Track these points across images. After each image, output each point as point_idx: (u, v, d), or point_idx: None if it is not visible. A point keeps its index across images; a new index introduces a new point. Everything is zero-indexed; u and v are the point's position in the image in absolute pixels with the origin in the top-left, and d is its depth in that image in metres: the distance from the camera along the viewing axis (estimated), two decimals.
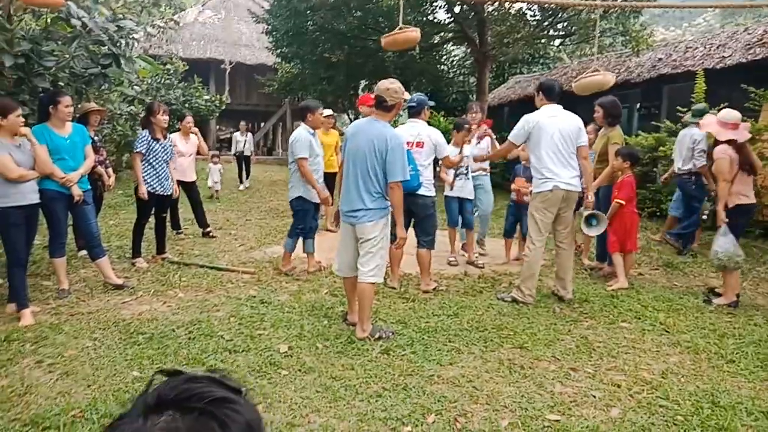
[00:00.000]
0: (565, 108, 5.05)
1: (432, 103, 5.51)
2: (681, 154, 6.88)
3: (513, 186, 6.46)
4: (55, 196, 4.74)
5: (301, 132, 5.66)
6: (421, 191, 5.18)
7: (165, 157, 6.13)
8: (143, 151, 5.97)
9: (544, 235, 4.99)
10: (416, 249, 5.38)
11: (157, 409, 0.71)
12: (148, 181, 6.02)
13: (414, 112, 5.36)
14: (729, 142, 4.97)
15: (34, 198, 4.42)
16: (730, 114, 5.08)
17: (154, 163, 6.03)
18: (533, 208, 5.02)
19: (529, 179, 6.15)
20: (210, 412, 0.69)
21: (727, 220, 4.92)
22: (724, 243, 4.92)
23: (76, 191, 4.82)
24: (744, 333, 4.31)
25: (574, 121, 4.98)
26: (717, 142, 5.14)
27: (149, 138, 6.00)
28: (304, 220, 5.81)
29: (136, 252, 6.10)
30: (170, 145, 6.30)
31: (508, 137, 5.12)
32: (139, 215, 6.14)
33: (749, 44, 9.80)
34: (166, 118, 6.21)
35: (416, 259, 5.40)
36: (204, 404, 0.70)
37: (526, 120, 4.99)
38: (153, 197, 6.07)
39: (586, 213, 5.52)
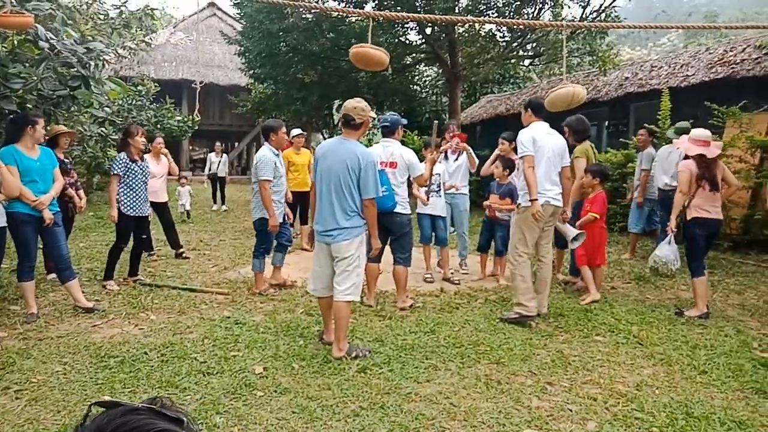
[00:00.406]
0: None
1: (405, 122, 5.54)
2: (667, 171, 6.96)
3: (486, 203, 6.51)
4: (26, 219, 4.65)
5: (265, 152, 5.67)
6: (397, 209, 5.19)
7: (143, 178, 6.07)
8: (121, 174, 5.90)
9: (530, 249, 5.01)
10: (393, 266, 5.38)
11: None
12: (127, 203, 5.95)
13: (387, 131, 5.35)
14: (698, 156, 5.13)
15: (1, 221, 4.31)
16: (702, 132, 5.25)
17: (132, 185, 5.95)
18: (522, 222, 4.99)
19: (504, 196, 6.23)
20: None
21: (675, 230, 5.20)
22: (666, 250, 5.21)
23: (47, 214, 4.74)
24: (715, 344, 4.39)
25: (561, 140, 5.14)
26: (686, 158, 5.31)
27: (127, 160, 5.93)
28: (267, 239, 5.81)
29: (109, 275, 5.97)
30: (147, 167, 6.23)
31: (523, 153, 4.86)
32: (119, 238, 6.02)
33: (711, 63, 10.11)
34: (144, 140, 6.16)
35: (392, 276, 5.39)
36: None
37: (531, 135, 4.90)
38: (132, 219, 5.99)
39: (574, 232, 5.49)
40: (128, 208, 5.94)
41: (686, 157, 5.33)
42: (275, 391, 3.46)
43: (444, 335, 4.54)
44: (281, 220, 5.86)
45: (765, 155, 7.74)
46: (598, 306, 5.36)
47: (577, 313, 5.17)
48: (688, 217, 5.19)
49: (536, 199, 4.78)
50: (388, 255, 5.41)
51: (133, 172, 5.94)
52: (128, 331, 4.54)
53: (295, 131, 8.47)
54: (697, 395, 3.47)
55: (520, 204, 5.06)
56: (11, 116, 4.92)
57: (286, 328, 4.67)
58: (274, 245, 5.99)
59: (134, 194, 5.97)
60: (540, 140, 4.91)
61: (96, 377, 3.62)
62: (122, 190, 5.93)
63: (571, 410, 3.27)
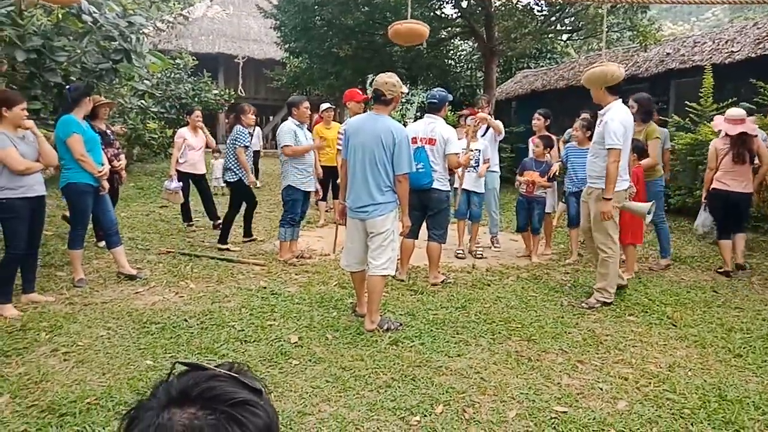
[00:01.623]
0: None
1: (451, 98, 5.52)
2: None
3: (523, 179, 6.42)
4: (87, 190, 4.87)
5: (286, 123, 6.01)
6: (435, 185, 5.17)
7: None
8: (247, 145, 6.56)
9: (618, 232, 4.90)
10: (427, 242, 5.41)
11: (179, 402, 0.72)
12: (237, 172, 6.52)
13: (434, 108, 5.35)
14: (739, 135, 5.49)
15: (41, 190, 4.39)
16: (736, 111, 5.59)
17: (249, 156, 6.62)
18: (609, 207, 4.70)
19: (543, 173, 6.18)
20: (232, 415, 0.71)
21: (705, 200, 5.91)
22: (700, 218, 5.93)
23: (105, 184, 5.00)
24: (752, 328, 4.33)
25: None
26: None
27: (247, 132, 6.60)
28: (294, 208, 5.98)
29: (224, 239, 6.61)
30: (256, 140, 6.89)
31: (613, 146, 4.56)
32: (249, 202, 6.79)
33: (758, 39, 9.74)
34: (253, 117, 6.84)
35: (426, 251, 5.43)
36: (227, 406, 0.72)
37: (623, 126, 4.60)
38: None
39: (646, 206, 5.38)
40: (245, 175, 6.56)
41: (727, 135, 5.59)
42: (310, 360, 3.56)
43: (475, 311, 4.58)
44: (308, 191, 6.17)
45: None
46: (631, 286, 5.32)
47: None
48: (709, 189, 5.82)
49: (610, 199, 4.64)
50: (420, 232, 5.45)
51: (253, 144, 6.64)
52: (169, 299, 4.70)
53: (324, 105, 8.47)
54: (731, 378, 3.45)
55: (603, 189, 4.73)
56: (68, 86, 5.05)
57: (320, 299, 4.77)
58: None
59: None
60: (629, 129, 4.67)
61: (138, 342, 3.77)
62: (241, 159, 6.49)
63: (601, 389, 3.29)
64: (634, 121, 5.57)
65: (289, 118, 6.06)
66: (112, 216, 5.20)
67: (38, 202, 4.43)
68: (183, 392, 0.73)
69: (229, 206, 6.66)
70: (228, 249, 6.44)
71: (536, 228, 6.42)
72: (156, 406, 0.73)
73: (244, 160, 6.47)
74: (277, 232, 6.22)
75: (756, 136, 5.62)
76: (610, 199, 4.65)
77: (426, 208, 5.29)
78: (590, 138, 6.12)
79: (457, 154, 5.26)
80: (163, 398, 0.73)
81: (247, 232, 6.97)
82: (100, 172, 4.90)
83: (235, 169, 6.47)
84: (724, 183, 5.65)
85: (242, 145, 6.45)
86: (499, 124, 6.51)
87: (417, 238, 5.49)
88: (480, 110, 6.69)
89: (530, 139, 6.76)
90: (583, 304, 4.81)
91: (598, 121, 4.91)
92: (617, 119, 4.60)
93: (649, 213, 5.28)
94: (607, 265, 4.81)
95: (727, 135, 5.58)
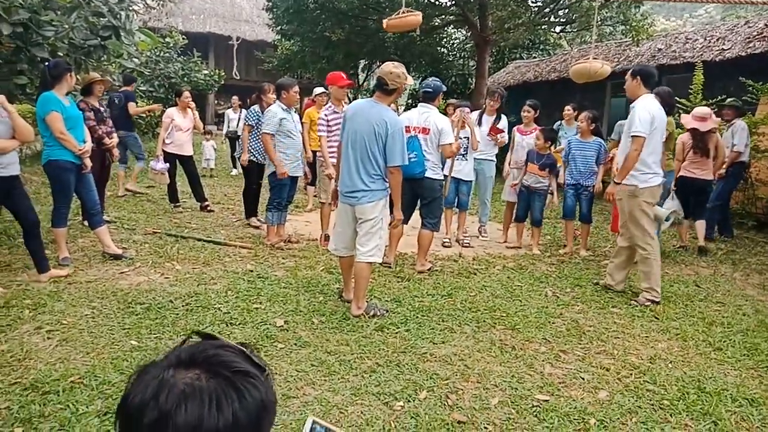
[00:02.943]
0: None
1: (445, 89, 5.53)
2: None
3: (516, 181, 6.45)
4: (68, 167, 4.78)
5: (273, 108, 5.83)
6: (428, 174, 5.17)
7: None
8: (253, 124, 6.62)
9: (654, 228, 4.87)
10: (419, 229, 5.42)
11: (186, 365, 0.78)
12: (256, 151, 6.67)
13: (429, 97, 5.35)
14: (692, 129, 6.38)
15: (13, 170, 4.28)
16: (701, 110, 6.49)
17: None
18: (644, 204, 4.67)
19: (543, 167, 6.18)
20: (232, 382, 0.76)
21: (674, 188, 6.49)
22: (669, 204, 6.19)
23: (88, 162, 4.91)
24: (732, 322, 4.40)
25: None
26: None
27: (259, 112, 6.58)
28: (280, 193, 5.96)
29: (250, 213, 7.03)
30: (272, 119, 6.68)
31: (638, 133, 4.49)
32: (250, 182, 6.98)
33: (749, 37, 9.81)
34: (274, 96, 6.49)
35: (417, 238, 5.44)
36: (229, 372, 0.77)
37: (652, 115, 4.54)
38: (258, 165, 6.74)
39: (665, 212, 5.45)
40: (258, 155, 6.61)
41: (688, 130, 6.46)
42: (295, 344, 3.57)
43: (461, 299, 4.61)
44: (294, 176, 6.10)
45: None
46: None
47: (594, 285, 5.19)
48: (677, 176, 6.54)
49: (620, 183, 4.65)
50: (410, 220, 5.46)
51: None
52: (154, 280, 4.68)
53: (318, 90, 8.39)
54: (711, 371, 3.51)
55: (638, 186, 4.67)
56: (48, 62, 4.97)
57: (307, 284, 4.77)
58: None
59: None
60: (657, 121, 4.58)
61: (123, 322, 3.76)
62: (253, 138, 6.61)
63: (583, 378, 3.34)
64: None
65: (277, 101, 5.92)
66: (94, 196, 5.11)
67: (10, 183, 4.27)
68: (191, 356, 0.79)
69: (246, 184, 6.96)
70: (256, 224, 6.83)
71: (537, 219, 6.42)
72: (164, 365, 0.79)
73: (244, 138, 6.67)
74: (264, 216, 6.20)
75: (711, 131, 6.36)
76: (619, 183, 4.69)
77: (418, 197, 5.31)
78: (594, 131, 6.19)
79: (451, 144, 5.25)
80: (172, 359, 0.79)
81: (251, 212, 7.10)
82: (80, 150, 4.79)
83: (255, 153, 6.63)
84: (690, 171, 6.49)
85: (247, 123, 6.64)
86: (476, 137, 6.29)
87: (406, 224, 5.51)
88: (493, 102, 6.72)
89: (515, 130, 6.78)
90: (632, 302, 4.74)
91: (630, 113, 4.78)
92: (645, 108, 4.55)
93: (667, 220, 5.38)
94: (648, 262, 4.71)
95: (690, 130, 6.44)
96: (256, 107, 6.70)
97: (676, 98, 8.08)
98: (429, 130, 5.20)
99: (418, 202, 5.41)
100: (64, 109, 4.71)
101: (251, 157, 6.70)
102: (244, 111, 13.31)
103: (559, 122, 8.26)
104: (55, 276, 4.48)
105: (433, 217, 5.35)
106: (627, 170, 4.60)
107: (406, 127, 5.01)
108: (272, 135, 5.71)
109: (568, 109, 7.87)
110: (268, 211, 6.03)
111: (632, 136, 4.54)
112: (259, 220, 6.94)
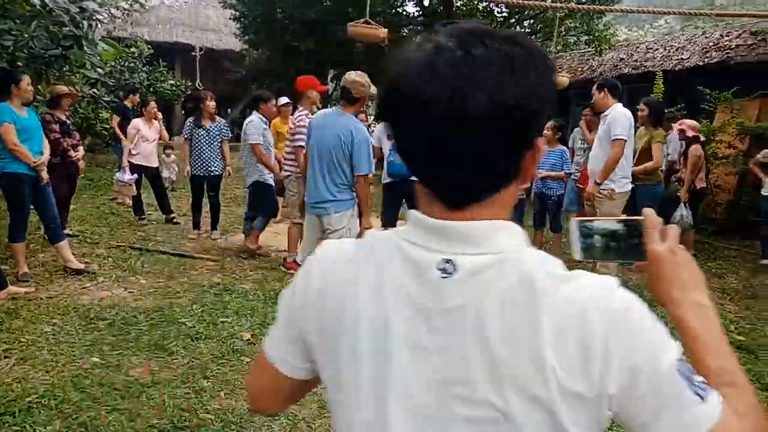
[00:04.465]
0: None
1: None
2: None
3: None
4: (23, 179, 4.66)
5: (254, 118, 5.88)
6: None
7: (208, 140, 6.56)
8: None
9: None
10: None
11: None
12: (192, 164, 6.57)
13: None
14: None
15: None
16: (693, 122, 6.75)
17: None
18: (615, 208, 4.81)
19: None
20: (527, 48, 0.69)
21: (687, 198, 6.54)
22: (682, 212, 6.29)
23: (45, 174, 4.78)
24: None
25: None
26: None
27: (192, 125, 6.49)
28: (271, 201, 6.02)
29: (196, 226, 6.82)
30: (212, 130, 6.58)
31: (621, 137, 4.71)
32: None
33: (706, 48, 10.10)
34: (214, 103, 6.63)
35: None
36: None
37: (629, 118, 4.81)
38: (198, 178, 6.62)
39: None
40: (193, 167, 6.51)
41: None
42: None
43: None
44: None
45: (753, 142, 7.81)
46: None
47: None
48: None
49: (599, 183, 4.79)
50: (378, 229, 5.46)
51: (197, 135, 6.43)
52: (118, 294, 4.59)
53: (283, 100, 8.22)
54: None
55: (614, 190, 4.84)
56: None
57: (275, 296, 4.72)
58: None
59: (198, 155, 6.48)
60: (632, 129, 4.83)
61: (85, 339, 3.67)
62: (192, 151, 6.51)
63: None
64: (643, 124, 5.73)
65: (255, 112, 5.94)
66: (53, 210, 4.97)
67: None
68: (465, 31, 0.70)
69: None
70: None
71: (558, 226, 6.40)
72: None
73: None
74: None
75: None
76: (599, 184, 4.80)
77: (403, 199, 5.68)
78: (559, 140, 6.29)
79: None
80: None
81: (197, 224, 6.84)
82: (35, 162, 4.66)
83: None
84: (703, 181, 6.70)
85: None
86: None
87: (394, 226, 5.52)
88: None
89: None
90: None
91: (602, 123, 5.01)
92: (624, 114, 4.80)
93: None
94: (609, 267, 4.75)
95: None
96: (191, 120, 6.55)
97: (638, 107, 8.31)
98: None
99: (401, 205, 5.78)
100: (18, 119, 4.59)
101: (194, 171, 6.55)
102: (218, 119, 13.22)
103: None
104: (13, 293, 4.36)
105: None
106: (608, 172, 4.75)
107: (388, 134, 5.10)
108: (261, 144, 5.81)
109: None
110: (259, 218, 6.06)
111: (614, 140, 4.72)
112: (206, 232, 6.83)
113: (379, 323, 0.72)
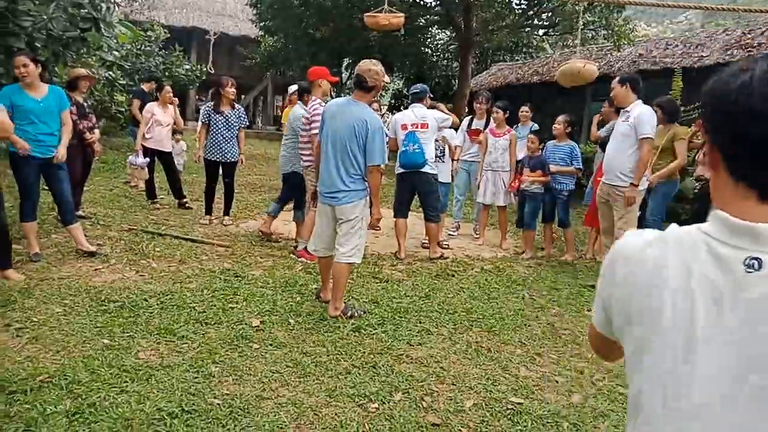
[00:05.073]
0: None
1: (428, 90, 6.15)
2: None
3: (516, 183, 6.31)
4: (26, 160, 4.66)
5: (300, 110, 5.69)
6: (425, 168, 5.67)
7: (226, 126, 6.63)
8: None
9: None
10: (425, 223, 5.99)
11: None
12: (209, 148, 6.65)
13: (418, 97, 5.96)
14: None
15: None
16: None
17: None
18: (636, 204, 4.92)
19: (535, 168, 6.13)
20: None
21: None
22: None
23: (60, 156, 4.79)
24: None
25: None
26: None
27: (211, 110, 6.57)
28: (295, 191, 5.94)
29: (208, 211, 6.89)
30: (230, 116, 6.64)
31: (647, 135, 4.75)
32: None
33: (727, 45, 9.97)
34: (234, 90, 6.68)
35: (425, 231, 6.09)
36: None
37: (654, 117, 4.93)
38: (213, 164, 6.70)
39: None
40: (209, 153, 6.59)
41: None
42: (270, 345, 3.54)
43: (438, 301, 4.61)
44: None
45: None
46: (593, 282, 5.41)
47: (570, 288, 5.24)
48: None
49: (637, 185, 4.82)
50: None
51: (215, 121, 6.51)
52: (129, 277, 4.62)
53: (293, 88, 8.16)
54: None
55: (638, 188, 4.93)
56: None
57: (284, 284, 4.74)
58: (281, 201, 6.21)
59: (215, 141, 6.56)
60: (655, 127, 4.88)
61: (95, 320, 3.70)
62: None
63: (557, 381, 3.36)
64: (659, 123, 5.64)
65: (299, 102, 5.87)
66: (65, 193, 4.96)
67: None
68: None
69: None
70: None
71: (527, 223, 6.31)
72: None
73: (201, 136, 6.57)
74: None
75: None
76: (636, 186, 4.82)
77: (415, 189, 5.87)
78: (569, 135, 6.24)
79: (450, 119, 6.15)
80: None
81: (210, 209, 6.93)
82: (20, 147, 4.50)
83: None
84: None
85: (203, 121, 6.51)
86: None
87: (407, 217, 5.98)
88: (480, 105, 7.01)
89: (488, 132, 6.75)
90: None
91: (623, 118, 4.99)
92: (649, 112, 4.85)
93: None
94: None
95: None
96: (210, 105, 6.69)
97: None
98: (427, 124, 5.71)
99: (413, 197, 6.01)
100: (25, 102, 4.58)
101: (210, 157, 6.62)
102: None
103: (516, 125, 8.16)
104: (8, 277, 4.33)
105: (434, 209, 5.88)
106: (643, 172, 4.81)
107: (402, 125, 5.74)
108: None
109: (524, 110, 7.78)
110: (276, 203, 6.17)
111: (642, 139, 4.76)
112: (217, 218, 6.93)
113: (686, 313, 0.83)
